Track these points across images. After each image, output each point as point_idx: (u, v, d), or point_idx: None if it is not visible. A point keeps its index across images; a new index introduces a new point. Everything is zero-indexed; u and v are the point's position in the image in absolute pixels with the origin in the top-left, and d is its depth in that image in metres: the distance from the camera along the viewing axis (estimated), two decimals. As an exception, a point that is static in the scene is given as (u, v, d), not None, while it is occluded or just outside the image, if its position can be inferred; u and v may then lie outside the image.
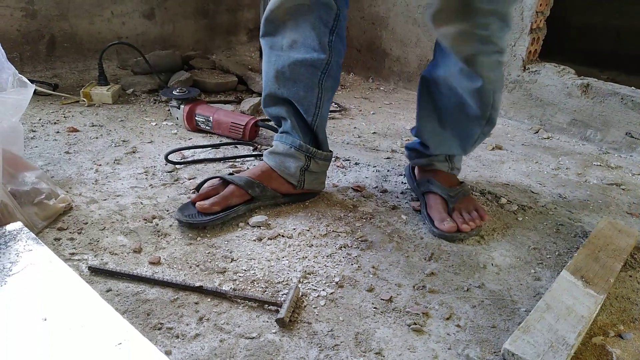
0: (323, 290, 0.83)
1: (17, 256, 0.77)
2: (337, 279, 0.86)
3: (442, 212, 1.03)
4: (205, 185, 1.04)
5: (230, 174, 1.10)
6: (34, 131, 1.35)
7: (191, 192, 1.10)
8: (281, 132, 1.09)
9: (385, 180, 1.24)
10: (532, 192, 1.24)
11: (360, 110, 1.76)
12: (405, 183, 1.22)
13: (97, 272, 0.82)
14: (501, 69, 0.94)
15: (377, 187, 1.20)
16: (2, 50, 1.03)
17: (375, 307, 0.80)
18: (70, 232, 0.93)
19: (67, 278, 0.74)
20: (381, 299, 0.82)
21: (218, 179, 1.04)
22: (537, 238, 1.04)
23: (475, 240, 1.01)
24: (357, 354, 0.71)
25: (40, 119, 1.43)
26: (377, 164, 1.33)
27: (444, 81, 1.00)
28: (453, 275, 0.90)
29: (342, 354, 0.71)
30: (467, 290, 0.86)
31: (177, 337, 0.71)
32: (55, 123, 1.42)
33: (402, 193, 1.18)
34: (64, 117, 1.47)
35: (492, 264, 0.94)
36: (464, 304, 0.83)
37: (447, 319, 0.79)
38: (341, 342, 0.73)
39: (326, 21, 0.97)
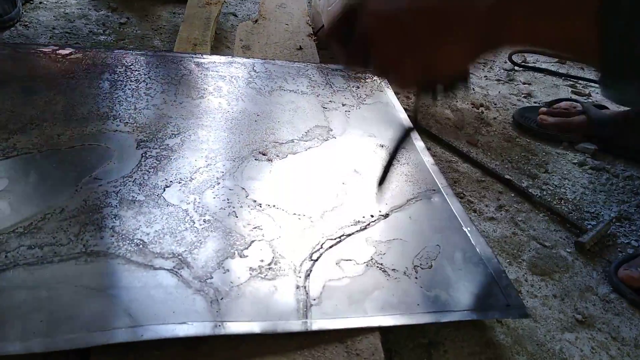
0: (636, 240, 0.74)
1: (371, 91, 0.91)
2: (658, 238, 0.75)
3: None
4: (562, 103, 0.98)
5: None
6: None
7: (523, 95, 1.07)
8: None
9: None
10: None
11: None
12: None
13: (422, 131, 0.90)
14: None
15: None
16: None
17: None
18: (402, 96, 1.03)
19: (400, 120, 0.84)
20: None
21: (577, 104, 0.97)
22: None
23: None
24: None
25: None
26: None
27: None
28: None
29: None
30: None
31: (475, 211, 0.75)
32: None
33: None
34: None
35: None
36: None
37: None
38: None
39: None
